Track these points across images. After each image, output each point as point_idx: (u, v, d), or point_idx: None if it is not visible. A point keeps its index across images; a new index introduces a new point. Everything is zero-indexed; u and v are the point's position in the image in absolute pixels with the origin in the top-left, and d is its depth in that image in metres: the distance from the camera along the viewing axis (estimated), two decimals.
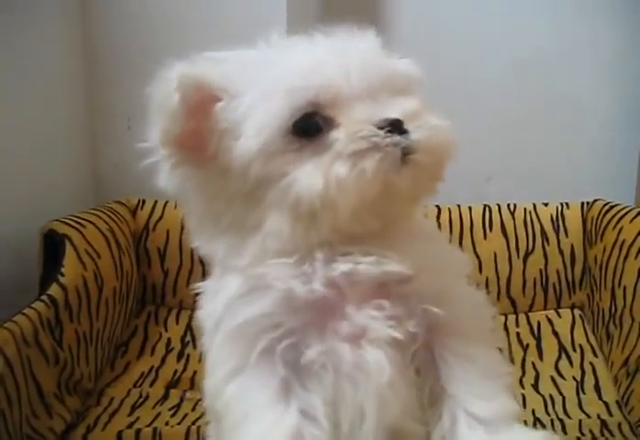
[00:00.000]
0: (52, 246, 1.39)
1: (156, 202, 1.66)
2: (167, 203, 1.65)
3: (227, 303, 0.72)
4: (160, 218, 1.65)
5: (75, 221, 1.44)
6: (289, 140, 0.67)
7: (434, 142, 0.68)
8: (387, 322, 0.69)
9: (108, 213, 1.55)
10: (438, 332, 0.72)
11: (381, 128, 0.66)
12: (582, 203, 1.67)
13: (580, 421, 1.29)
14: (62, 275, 1.32)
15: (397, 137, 0.66)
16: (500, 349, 0.78)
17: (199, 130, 0.68)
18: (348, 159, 0.65)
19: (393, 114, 0.67)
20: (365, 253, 0.69)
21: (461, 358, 0.73)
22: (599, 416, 1.30)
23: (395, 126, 0.66)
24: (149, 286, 1.68)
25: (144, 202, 1.67)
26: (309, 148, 0.67)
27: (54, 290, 1.28)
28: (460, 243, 1.65)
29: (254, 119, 0.66)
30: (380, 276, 0.69)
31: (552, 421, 1.29)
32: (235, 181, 0.69)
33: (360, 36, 0.72)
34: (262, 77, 0.68)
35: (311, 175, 0.65)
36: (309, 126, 0.67)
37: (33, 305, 1.21)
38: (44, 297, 1.25)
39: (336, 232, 0.68)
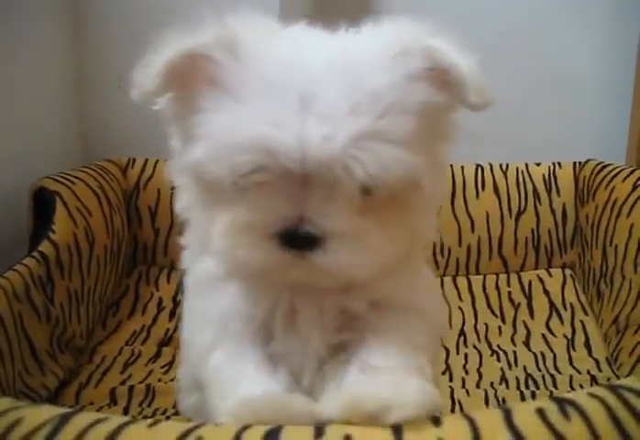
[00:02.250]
0: (43, 203, 1.38)
1: (146, 160, 1.65)
2: (157, 161, 1.64)
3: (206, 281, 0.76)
4: (151, 177, 1.64)
5: (66, 178, 1.43)
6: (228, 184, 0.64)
7: (339, 274, 0.63)
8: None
9: (99, 171, 1.54)
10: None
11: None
12: (574, 163, 1.68)
13: (571, 376, 1.30)
14: (53, 232, 1.31)
15: (283, 255, 0.62)
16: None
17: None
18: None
19: (309, 223, 0.61)
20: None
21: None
22: (589, 372, 1.32)
23: (295, 240, 0.61)
24: (140, 245, 1.67)
25: (134, 160, 1.66)
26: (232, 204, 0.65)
27: (45, 246, 1.27)
28: (452, 202, 1.65)
29: (207, 148, 0.63)
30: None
31: (543, 376, 1.30)
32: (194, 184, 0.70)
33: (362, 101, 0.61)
34: (222, 120, 0.63)
35: (221, 237, 0.65)
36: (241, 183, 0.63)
37: (24, 261, 1.20)
38: (35, 254, 1.24)
39: None
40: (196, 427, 0.54)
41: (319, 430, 0.52)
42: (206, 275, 0.76)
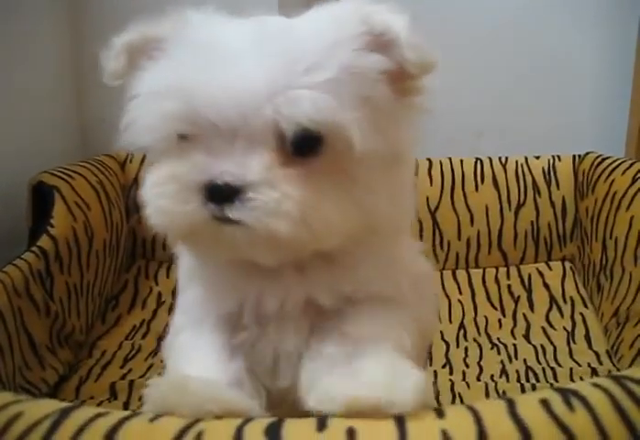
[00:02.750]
0: (41, 198, 1.37)
1: (145, 155, 1.64)
2: None
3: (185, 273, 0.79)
4: None
5: (64, 173, 1.42)
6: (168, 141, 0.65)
7: (257, 227, 0.60)
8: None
9: (97, 165, 1.54)
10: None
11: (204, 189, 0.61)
12: (574, 156, 1.67)
13: (571, 369, 1.30)
14: (52, 226, 1.30)
15: (204, 208, 0.61)
16: None
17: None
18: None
19: (231, 176, 0.60)
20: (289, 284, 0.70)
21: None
22: (589, 364, 1.32)
23: (216, 193, 0.60)
24: (139, 240, 1.67)
25: (133, 155, 1.65)
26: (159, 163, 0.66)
27: (44, 241, 1.27)
28: (452, 196, 1.65)
29: (140, 121, 0.65)
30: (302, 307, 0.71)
31: (543, 369, 1.30)
32: None
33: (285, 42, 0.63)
34: (152, 70, 0.66)
35: (148, 191, 0.66)
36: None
37: (23, 256, 1.20)
38: (34, 248, 1.24)
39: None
40: (197, 421, 0.53)
41: (321, 423, 0.52)
42: (186, 266, 0.78)
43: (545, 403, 0.52)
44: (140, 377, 1.28)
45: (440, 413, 0.53)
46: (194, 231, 0.63)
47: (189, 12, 0.70)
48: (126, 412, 0.54)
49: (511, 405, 0.52)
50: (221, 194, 0.60)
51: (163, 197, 0.63)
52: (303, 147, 0.61)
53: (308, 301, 0.70)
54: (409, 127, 0.70)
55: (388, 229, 0.71)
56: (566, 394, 0.53)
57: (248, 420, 0.53)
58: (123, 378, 1.28)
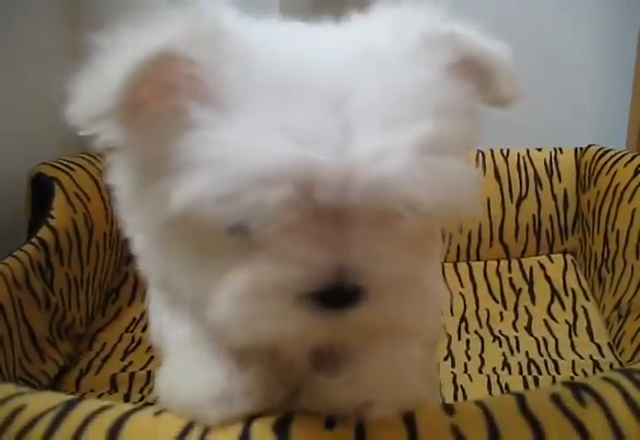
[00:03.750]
0: (41, 190, 1.37)
1: None
2: None
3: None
4: None
5: (64, 164, 1.42)
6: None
7: (385, 328, 0.48)
8: None
9: (97, 157, 1.52)
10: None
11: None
12: (576, 149, 1.66)
13: (573, 361, 1.30)
14: (52, 218, 1.29)
15: (320, 319, 0.46)
16: None
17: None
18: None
19: (353, 273, 0.46)
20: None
21: None
22: (591, 357, 1.31)
23: (336, 297, 0.46)
24: None
25: None
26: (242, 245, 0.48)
27: (44, 232, 1.26)
28: None
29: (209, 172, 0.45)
30: None
31: (545, 362, 1.30)
32: None
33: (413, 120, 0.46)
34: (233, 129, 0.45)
35: (231, 302, 0.48)
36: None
37: (23, 248, 1.19)
38: (34, 240, 1.23)
39: None
40: None
41: (330, 420, 0.51)
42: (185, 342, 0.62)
43: (555, 398, 0.52)
44: (141, 369, 1.28)
45: (450, 409, 0.52)
46: (298, 341, 0.49)
47: (198, 11, 0.50)
48: (131, 406, 0.54)
49: (521, 400, 0.52)
50: (343, 298, 0.46)
51: (266, 316, 0.47)
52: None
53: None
54: None
55: None
56: (576, 389, 0.53)
57: (256, 416, 0.52)
58: (123, 370, 1.28)
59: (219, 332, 0.48)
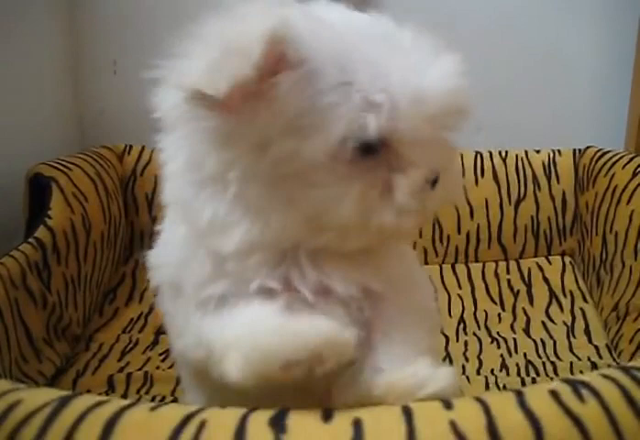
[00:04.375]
0: (38, 190, 1.36)
1: (143, 147, 1.63)
2: (154, 148, 1.62)
3: (195, 283, 0.68)
4: (148, 164, 1.62)
5: (62, 164, 1.41)
6: (348, 152, 0.59)
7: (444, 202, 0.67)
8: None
9: (95, 157, 1.52)
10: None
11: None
12: (574, 150, 1.67)
13: (571, 363, 1.29)
14: (50, 218, 1.29)
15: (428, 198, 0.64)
16: None
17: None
18: (397, 212, 0.62)
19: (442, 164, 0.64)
20: (336, 267, 0.67)
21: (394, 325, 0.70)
22: (589, 358, 1.31)
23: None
24: (137, 233, 1.65)
25: (131, 147, 1.64)
26: (360, 168, 0.61)
27: (41, 232, 1.25)
28: None
29: (326, 121, 0.57)
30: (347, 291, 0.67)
31: (544, 363, 1.30)
32: (264, 163, 0.60)
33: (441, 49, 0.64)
34: (351, 69, 0.58)
35: (353, 202, 0.61)
36: (372, 147, 0.60)
37: (20, 248, 1.19)
38: (31, 240, 1.22)
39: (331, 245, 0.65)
40: (200, 410, 0.52)
41: (328, 414, 0.51)
42: (196, 275, 0.68)
43: (554, 394, 0.51)
44: (138, 370, 1.27)
45: (448, 405, 0.52)
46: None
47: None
48: (127, 401, 0.53)
49: (520, 397, 0.51)
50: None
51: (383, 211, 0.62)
52: None
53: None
54: None
55: None
56: (575, 385, 0.52)
57: (252, 410, 0.52)
58: (120, 371, 1.27)
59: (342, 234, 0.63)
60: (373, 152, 0.60)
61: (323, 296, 0.66)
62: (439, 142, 0.63)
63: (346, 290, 0.66)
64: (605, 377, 0.54)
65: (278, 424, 0.50)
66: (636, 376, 0.54)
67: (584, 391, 0.52)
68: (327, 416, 0.51)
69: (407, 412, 0.51)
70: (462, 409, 0.51)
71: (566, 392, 0.52)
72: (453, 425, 0.49)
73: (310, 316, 0.60)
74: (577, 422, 0.49)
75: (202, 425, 0.50)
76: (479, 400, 0.52)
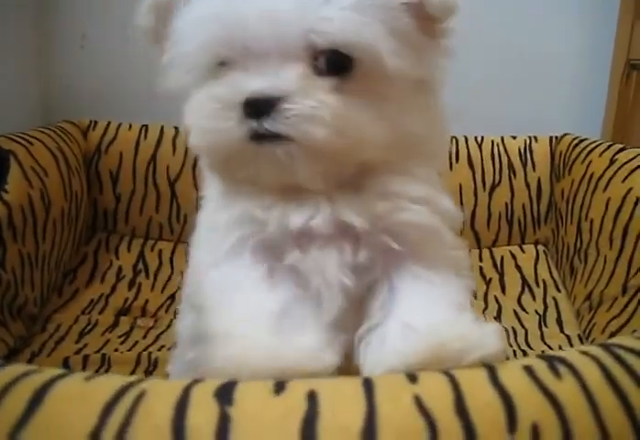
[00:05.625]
0: None
1: (109, 123, 1.58)
2: (120, 124, 1.57)
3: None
4: (113, 140, 1.57)
5: (22, 137, 1.35)
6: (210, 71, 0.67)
7: (295, 135, 0.62)
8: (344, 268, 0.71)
9: (58, 131, 1.47)
10: (396, 258, 0.72)
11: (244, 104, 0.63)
12: (551, 137, 1.65)
13: (543, 352, 1.26)
14: (6, 192, 1.23)
15: (243, 124, 0.63)
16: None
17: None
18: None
19: (267, 88, 0.62)
20: (319, 204, 0.69)
21: (417, 280, 0.72)
22: (560, 348, 1.28)
23: (254, 106, 0.62)
24: (101, 212, 1.60)
25: (96, 123, 1.59)
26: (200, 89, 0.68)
27: None
28: None
29: (182, 50, 0.68)
30: (334, 227, 0.70)
31: (514, 352, 1.26)
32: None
33: None
34: (187, 9, 0.68)
35: (189, 115, 0.68)
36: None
37: None
38: None
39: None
40: (140, 381, 0.48)
41: (279, 385, 0.47)
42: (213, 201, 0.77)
43: (529, 370, 0.47)
44: (96, 352, 1.23)
45: (413, 378, 0.47)
46: (235, 150, 0.64)
47: None
48: (60, 371, 0.48)
49: (491, 372, 0.47)
50: (258, 108, 0.62)
51: (204, 117, 0.65)
52: (336, 64, 0.64)
53: (341, 223, 0.69)
54: (437, 62, 0.72)
55: (424, 151, 0.73)
56: (552, 361, 0.48)
57: (197, 381, 0.47)
58: (77, 352, 1.23)
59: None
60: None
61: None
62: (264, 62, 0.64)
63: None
64: (584, 353, 0.50)
65: (224, 396, 0.45)
66: (617, 353, 0.50)
67: (561, 368, 0.48)
68: (279, 388, 0.46)
69: (367, 385, 0.46)
70: (428, 383, 0.47)
71: (541, 368, 0.48)
72: (417, 401, 0.45)
73: (298, 335, 0.64)
74: (551, 398, 0.45)
75: (141, 395, 0.46)
76: (447, 374, 0.48)
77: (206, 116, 0.64)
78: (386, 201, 0.69)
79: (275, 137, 0.62)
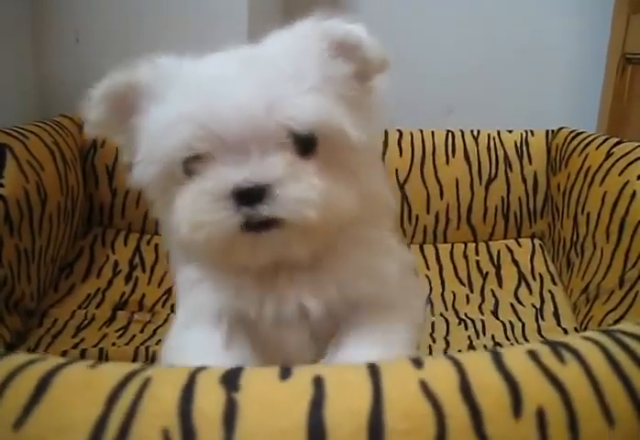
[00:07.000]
0: None
1: None
2: None
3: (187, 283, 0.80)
4: None
5: (18, 132, 1.35)
6: (178, 174, 0.68)
7: (293, 218, 0.65)
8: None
9: (54, 126, 1.46)
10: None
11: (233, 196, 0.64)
12: (547, 131, 1.64)
13: None
14: (2, 186, 1.23)
15: (238, 213, 0.64)
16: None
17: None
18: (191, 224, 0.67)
19: (255, 176, 0.64)
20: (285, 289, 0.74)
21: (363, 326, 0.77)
22: None
23: (246, 195, 0.64)
24: (97, 206, 1.60)
25: None
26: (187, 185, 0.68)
27: None
28: (422, 169, 1.60)
29: (155, 148, 0.68)
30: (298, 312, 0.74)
31: (512, 345, 1.26)
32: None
33: (272, 64, 0.68)
34: (158, 108, 0.69)
35: (181, 211, 0.68)
36: (190, 169, 0.68)
37: None
38: None
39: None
40: (145, 368, 0.48)
41: (286, 371, 0.47)
42: (187, 278, 0.80)
43: (533, 355, 0.47)
44: (93, 346, 1.22)
45: (418, 363, 0.47)
46: (233, 239, 0.66)
47: (161, 58, 0.73)
48: (64, 359, 0.48)
49: (496, 356, 0.48)
50: (251, 196, 0.63)
51: (197, 210, 0.66)
52: (306, 147, 0.67)
53: (301, 308, 0.74)
54: (377, 119, 0.76)
55: (383, 204, 0.78)
56: (555, 347, 0.49)
57: (203, 367, 0.47)
58: (75, 347, 1.22)
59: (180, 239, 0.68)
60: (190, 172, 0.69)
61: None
62: (244, 155, 0.65)
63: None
64: (587, 339, 0.50)
65: (231, 382, 0.45)
66: (620, 339, 0.50)
67: (565, 353, 0.48)
68: (286, 374, 0.46)
69: (374, 371, 0.46)
70: (434, 368, 0.47)
71: (545, 353, 0.48)
72: (423, 385, 0.45)
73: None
74: (556, 383, 0.46)
75: (147, 382, 0.45)
76: (451, 358, 0.48)
77: (199, 210, 0.65)
78: (341, 277, 0.74)
79: (270, 222, 0.64)
